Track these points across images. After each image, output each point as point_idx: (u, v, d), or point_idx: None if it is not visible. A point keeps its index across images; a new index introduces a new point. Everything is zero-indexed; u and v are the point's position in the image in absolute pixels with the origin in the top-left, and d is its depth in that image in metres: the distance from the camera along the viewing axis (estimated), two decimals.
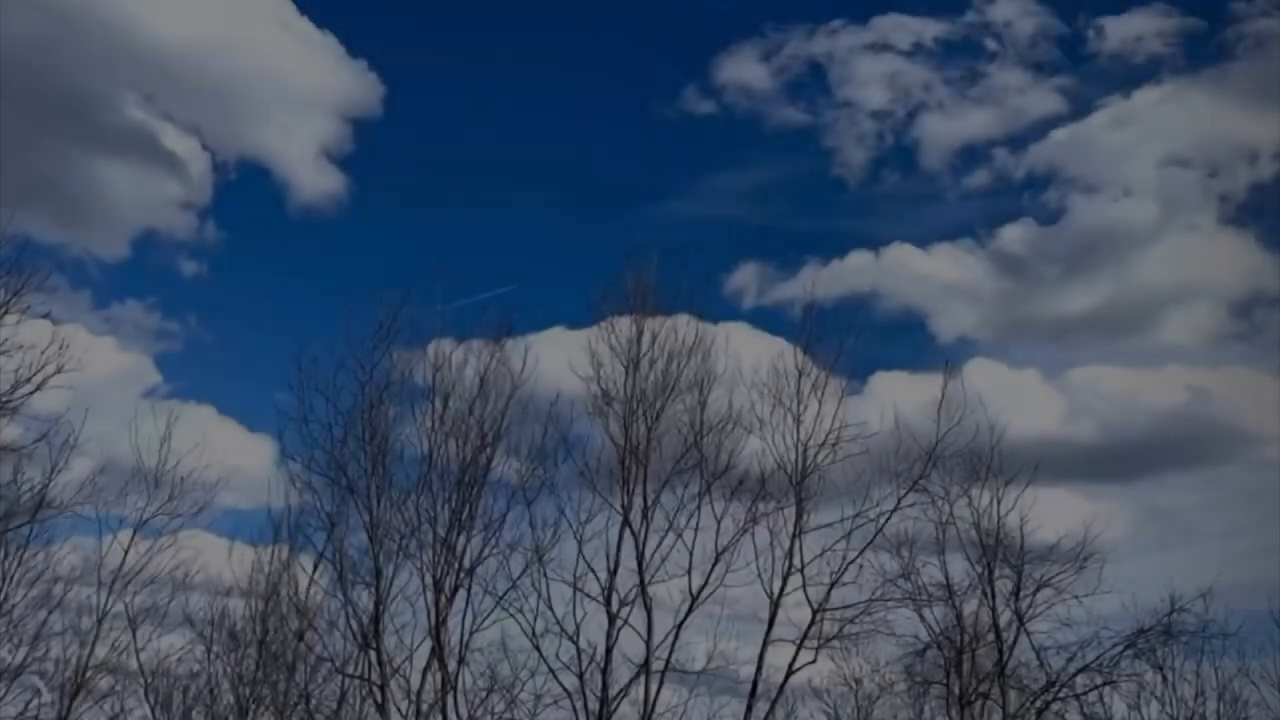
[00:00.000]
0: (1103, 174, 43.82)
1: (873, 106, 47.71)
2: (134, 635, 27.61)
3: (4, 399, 21.99)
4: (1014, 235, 44.23)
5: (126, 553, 26.71)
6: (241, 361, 46.25)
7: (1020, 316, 41.04)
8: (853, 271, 35.26)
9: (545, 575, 25.41)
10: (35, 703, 25.91)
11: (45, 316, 22.45)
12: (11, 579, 25.07)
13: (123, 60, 36.65)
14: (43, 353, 22.04)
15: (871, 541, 25.43)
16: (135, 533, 26.87)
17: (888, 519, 25.47)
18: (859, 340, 26.21)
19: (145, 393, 26.26)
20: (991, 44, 48.02)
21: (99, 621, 26.63)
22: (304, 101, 39.05)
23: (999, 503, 27.04)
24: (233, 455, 30.56)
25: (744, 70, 46.60)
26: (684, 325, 26.33)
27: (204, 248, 41.58)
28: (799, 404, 25.79)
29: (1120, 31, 44.57)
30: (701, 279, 26.82)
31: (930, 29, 47.20)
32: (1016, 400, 25.63)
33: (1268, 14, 38.28)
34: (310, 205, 40.19)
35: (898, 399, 25.98)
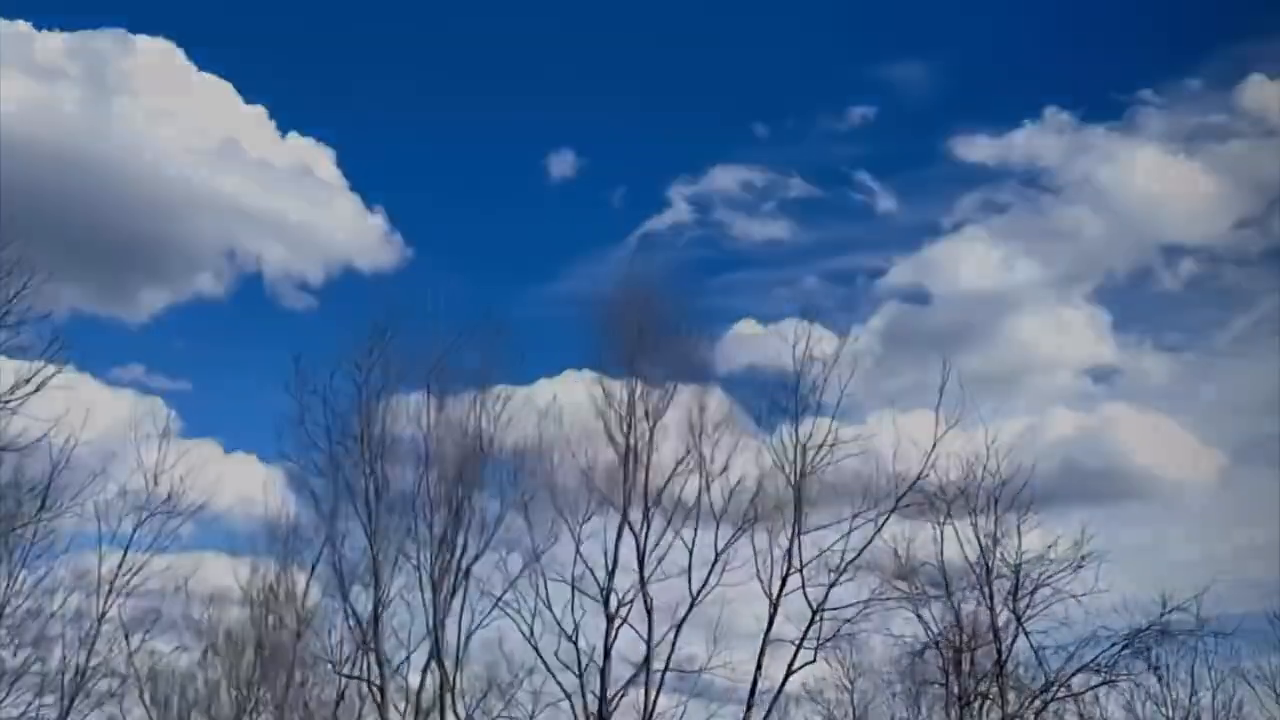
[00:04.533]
0: (954, 276, 51.10)
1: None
2: (127, 639, 27.69)
3: (4, 398, 21.95)
4: (881, 318, 48.43)
5: (123, 558, 26.83)
6: (248, 404, 53.28)
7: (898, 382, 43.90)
8: (739, 340, 37.85)
9: (543, 575, 25.53)
10: (37, 704, 25.95)
11: (47, 316, 22.51)
12: (15, 580, 25.12)
13: (215, 207, 47.89)
14: (42, 353, 22.05)
15: (870, 541, 25.45)
16: (128, 545, 27.06)
17: (886, 519, 25.49)
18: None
19: (164, 433, 27.27)
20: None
21: (98, 619, 26.69)
22: (331, 258, 49.12)
23: (996, 503, 27.08)
24: (245, 485, 32.30)
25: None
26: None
27: (196, 328, 50.18)
28: (798, 406, 25.91)
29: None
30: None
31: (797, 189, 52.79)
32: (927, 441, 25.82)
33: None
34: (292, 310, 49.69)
35: None
